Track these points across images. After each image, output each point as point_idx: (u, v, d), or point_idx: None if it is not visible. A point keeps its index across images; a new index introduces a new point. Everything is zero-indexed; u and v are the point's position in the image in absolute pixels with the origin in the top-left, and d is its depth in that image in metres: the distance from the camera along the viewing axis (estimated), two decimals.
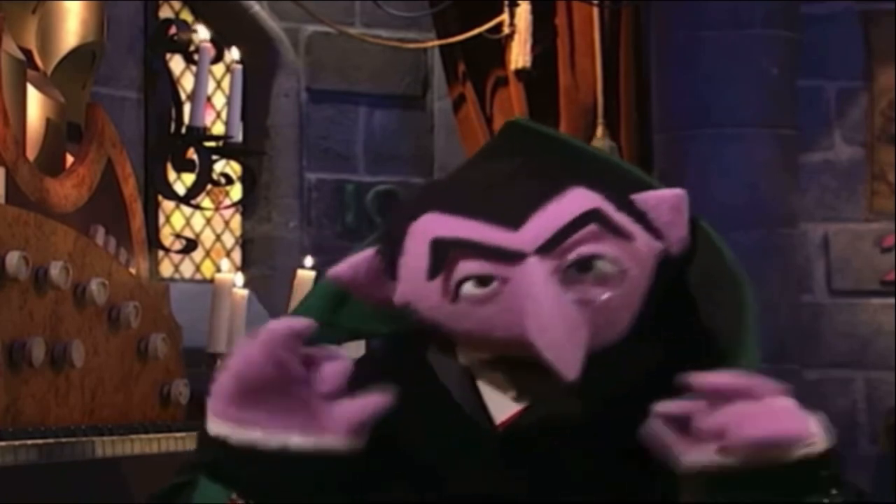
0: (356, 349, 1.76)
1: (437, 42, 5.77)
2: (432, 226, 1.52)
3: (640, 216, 1.61)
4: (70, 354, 2.70)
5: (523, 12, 5.53)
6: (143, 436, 2.80)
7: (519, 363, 1.51)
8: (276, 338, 1.44)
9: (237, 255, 6.29)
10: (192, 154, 3.99)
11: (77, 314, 2.78)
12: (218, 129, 5.01)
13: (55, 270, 2.63)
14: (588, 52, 5.69)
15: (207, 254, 6.22)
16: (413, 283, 1.53)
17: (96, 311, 2.86)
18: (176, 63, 4.81)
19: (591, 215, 1.53)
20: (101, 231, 3.03)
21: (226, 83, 5.61)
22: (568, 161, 1.68)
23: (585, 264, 1.50)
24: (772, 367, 5.68)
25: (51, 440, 2.42)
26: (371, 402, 1.45)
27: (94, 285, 2.79)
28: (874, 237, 5.82)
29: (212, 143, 3.97)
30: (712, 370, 1.49)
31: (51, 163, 2.98)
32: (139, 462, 2.75)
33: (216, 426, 1.47)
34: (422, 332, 1.56)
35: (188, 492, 1.61)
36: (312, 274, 3.52)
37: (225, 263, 3.75)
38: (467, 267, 1.49)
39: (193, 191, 4.07)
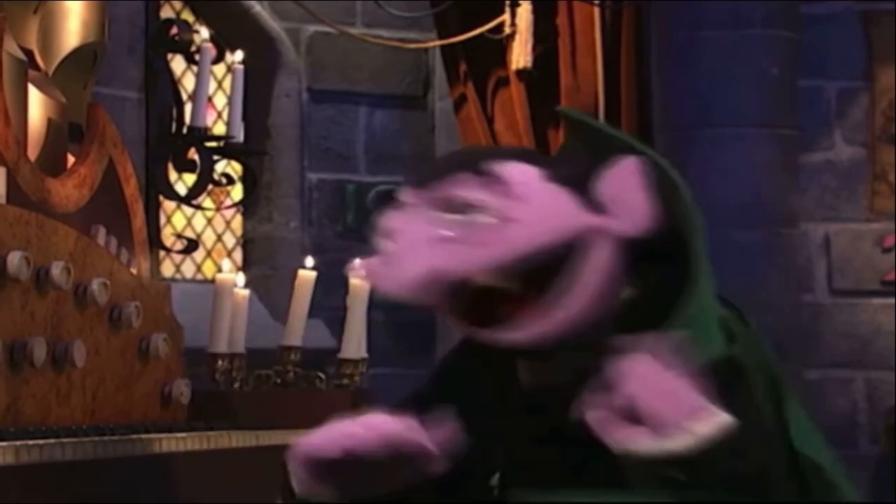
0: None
1: (438, 42, 5.77)
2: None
3: (577, 190, 1.72)
4: (71, 354, 2.71)
5: (524, 12, 5.53)
6: (145, 436, 2.80)
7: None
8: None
9: (238, 255, 6.29)
10: (193, 154, 3.99)
11: (78, 314, 2.78)
12: (219, 129, 5.02)
13: (56, 270, 2.64)
14: (589, 52, 5.69)
15: (208, 254, 6.22)
16: None
17: (97, 312, 2.86)
18: (177, 63, 4.81)
19: (468, 166, 1.71)
20: (102, 231, 3.03)
21: (227, 83, 5.61)
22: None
23: (456, 206, 1.69)
24: None
25: (52, 440, 2.42)
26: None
27: (95, 285, 2.79)
28: (875, 237, 5.82)
29: (213, 144, 3.97)
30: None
31: (52, 163, 2.99)
32: (141, 462, 2.75)
33: None
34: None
35: None
36: (313, 274, 3.52)
37: (226, 263, 3.76)
38: None
39: (194, 191, 4.07)
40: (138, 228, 3.21)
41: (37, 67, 3.01)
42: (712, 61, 5.64)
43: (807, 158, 5.84)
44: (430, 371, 1.93)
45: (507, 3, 5.54)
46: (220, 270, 3.53)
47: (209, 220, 6.25)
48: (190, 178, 4.14)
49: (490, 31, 5.56)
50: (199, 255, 6.05)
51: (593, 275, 1.68)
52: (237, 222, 6.34)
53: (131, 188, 3.20)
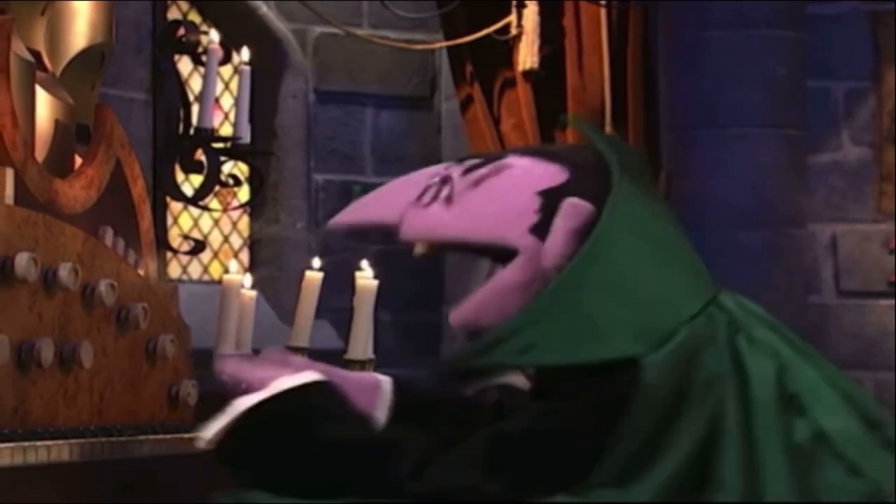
0: None
1: (444, 43, 5.78)
2: None
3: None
4: (79, 355, 2.71)
5: (531, 13, 5.53)
6: (152, 437, 2.81)
7: None
8: None
9: (245, 256, 6.30)
10: (199, 155, 3.99)
11: (86, 315, 2.78)
12: (226, 130, 5.02)
13: (64, 271, 2.64)
14: (596, 52, 5.69)
15: (215, 255, 6.23)
16: None
17: (105, 312, 2.86)
18: (184, 64, 4.81)
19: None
20: (109, 232, 3.03)
21: (233, 84, 5.62)
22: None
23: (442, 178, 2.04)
24: None
25: (59, 441, 2.42)
26: None
27: (102, 286, 2.79)
28: (882, 238, 5.81)
29: (220, 145, 3.97)
30: None
31: (59, 164, 2.99)
32: (148, 463, 2.76)
33: None
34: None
35: None
36: (320, 275, 3.52)
37: (233, 264, 3.76)
38: None
39: (201, 192, 4.07)
40: (145, 229, 3.21)
41: (44, 69, 3.02)
42: (719, 61, 5.63)
43: (814, 159, 5.83)
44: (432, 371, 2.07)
45: (514, 4, 5.54)
46: (226, 271, 3.53)
47: (216, 221, 6.25)
48: (197, 180, 4.14)
49: (497, 32, 5.56)
50: (205, 256, 6.06)
51: (491, 289, 1.99)
52: (244, 223, 6.35)
53: (139, 189, 3.20)
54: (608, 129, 5.68)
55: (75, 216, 2.90)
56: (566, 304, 1.89)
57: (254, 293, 3.46)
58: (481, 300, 2.01)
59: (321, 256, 3.69)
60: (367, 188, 6.37)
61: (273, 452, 1.96)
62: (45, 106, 2.96)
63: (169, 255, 5.46)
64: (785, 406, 1.87)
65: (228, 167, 4.08)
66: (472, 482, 1.82)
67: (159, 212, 5.35)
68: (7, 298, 2.51)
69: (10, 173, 2.65)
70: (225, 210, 5.91)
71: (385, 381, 2.16)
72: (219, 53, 3.84)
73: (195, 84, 5.19)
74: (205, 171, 3.98)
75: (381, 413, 2.09)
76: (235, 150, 4.02)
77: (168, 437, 2.84)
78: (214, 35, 3.84)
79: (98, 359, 2.79)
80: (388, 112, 6.50)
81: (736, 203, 5.54)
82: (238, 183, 4.20)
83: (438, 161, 6.55)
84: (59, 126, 3.00)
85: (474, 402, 2.10)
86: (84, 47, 3.12)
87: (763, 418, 1.85)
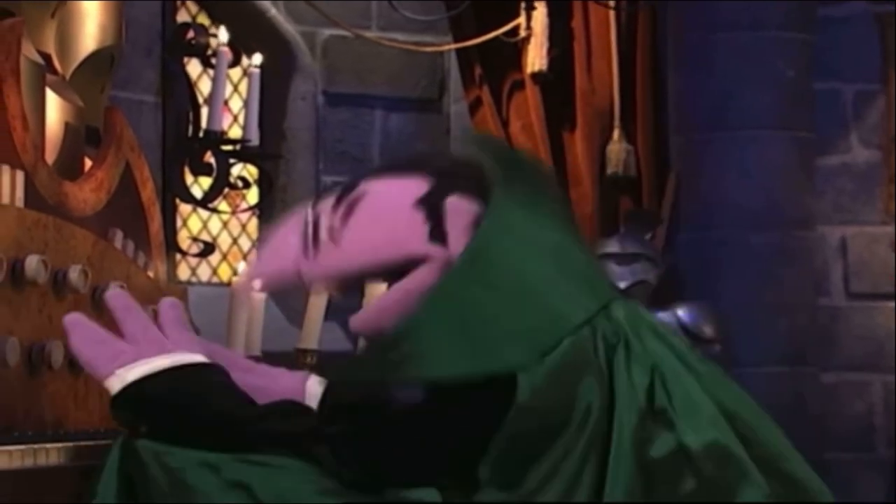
0: None
1: (453, 45, 5.78)
2: None
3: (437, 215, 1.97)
4: None
5: (539, 15, 5.53)
6: None
7: None
8: None
9: (254, 258, 6.29)
10: (209, 157, 4.00)
11: (96, 317, 2.78)
12: (235, 132, 5.02)
13: (74, 274, 2.64)
14: (604, 54, 5.69)
15: (224, 257, 6.23)
16: None
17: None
18: (193, 67, 4.82)
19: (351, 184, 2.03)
20: (119, 234, 3.03)
21: (242, 87, 5.62)
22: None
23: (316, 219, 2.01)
24: (789, 369, 5.70)
25: (69, 443, 2.42)
26: None
27: (112, 289, 2.79)
28: (891, 240, 5.80)
29: (229, 147, 3.97)
30: None
31: (69, 166, 2.99)
32: None
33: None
34: None
35: None
36: None
37: (242, 266, 3.76)
38: None
39: (210, 194, 4.08)
40: (155, 232, 3.21)
41: (54, 71, 3.02)
42: (728, 63, 5.63)
43: (823, 161, 5.83)
44: None
45: (523, 6, 5.55)
46: (235, 273, 3.54)
47: (225, 224, 6.26)
48: (206, 182, 4.14)
49: (505, 34, 5.56)
50: (214, 258, 6.07)
51: (394, 294, 1.97)
52: (253, 225, 6.35)
53: (148, 192, 3.20)
54: (617, 131, 5.68)
55: (85, 218, 2.91)
56: (449, 309, 1.88)
57: (263, 295, 3.46)
58: (383, 306, 1.98)
59: None
60: None
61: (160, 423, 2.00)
62: (54, 108, 2.96)
63: (178, 257, 5.46)
64: (651, 420, 1.87)
65: (237, 169, 4.09)
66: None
67: (169, 214, 5.35)
68: (17, 301, 2.51)
69: (20, 176, 2.65)
70: (234, 212, 5.92)
71: (312, 384, 2.16)
72: (228, 56, 3.84)
73: (204, 86, 5.19)
74: (214, 174, 3.99)
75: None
76: (244, 153, 4.02)
77: None
78: (223, 36, 3.84)
79: None
80: (397, 114, 6.51)
81: (745, 205, 5.53)
82: (247, 185, 4.21)
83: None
84: (68, 128, 3.00)
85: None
86: (94, 50, 3.12)
87: (619, 436, 1.85)
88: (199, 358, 2.05)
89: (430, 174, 1.99)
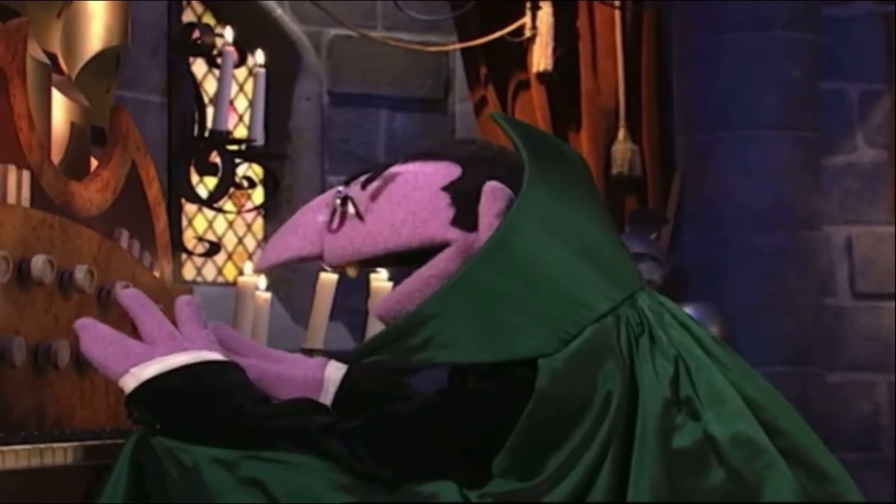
0: None
1: (458, 45, 5.78)
2: None
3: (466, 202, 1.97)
4: None
5: (545, 15, 5.53)
6: None
7: None
8: None
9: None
10: (214, 157, 4.00)
11: (102, 317, 2.78)
12: (240, 132, 5.03)
13: (80, 274, 2.64)
14: (610, 54, 5.69)
15: (230, 257, 6.24)
16: None
17: (121, 315, 2.86)
18: (199, 67, 4.82)
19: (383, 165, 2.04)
20: (124, 234, 3.04)
21: (248, 86, 5.63)
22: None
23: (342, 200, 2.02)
24: (794, 369, 5.69)
25: (75, 443, 2.42)
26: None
27: (118, 288, 2.79)
28: None
29: (234, 147, 3.98)
30: None
31: (75, 166, 2.99)
32: None
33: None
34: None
35: None
36: (335, 277, 3.52)
37: (247, 266, 3.76)
38: None
39: (216, 194, 4.08)
40: (161, 232, 3.21)
41: (60, 71, 3.02)
42: (733, 63, 5.63)
43: (829, 161, 5.82)
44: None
45: (528, 5, 5.55)
46: (241, 273, 3.54)
47: (230, 224, 6.26)
48: (211, 182, 4.14)
49: (511, 34, 5.57)
50: (220, 258, 6.07)
51: (417, 279, 1.96)
52: (258, 225, 6.36)
53: (154, 192, 3.20)
54: (622, 131, 5.68)
55: (91, 218, 2.91)
56: (472, 296, 1.87)
57: (268, 295, 3.47)
58: (407, 291, 1.97)
59: None
60: None
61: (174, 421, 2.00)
62: (60, 108, 2.96)
63: (184, 257, 5.47)
64: (677, 410, 1.86)
65: (243, 169, 4.09)
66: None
67: (174, 214, 5.36)
68: (23, 300, 2.52)
69: (26, 176, 2.65)
70: (239, 212, 5.92)
71: (332, 370, 2.13)
72: (233, 56, 3.84)
73: (210, 86, 5.20)
74: (219, 174, 3.99)
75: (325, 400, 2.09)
76: (250, 153, 4.02)
77: None
78: (229, 35, 3.84)
79: None
80: (402, 114, 6.51)
81: (751, 205, 5.53)
82: (252, 185, 4.21)
83: None
84: (74, 128, 3.01)
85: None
86: (99, 50, 3.12)
87: (643, 425, 1.84)
88: (215, 355, 2.05)
89: (463, 160, 1.99)
